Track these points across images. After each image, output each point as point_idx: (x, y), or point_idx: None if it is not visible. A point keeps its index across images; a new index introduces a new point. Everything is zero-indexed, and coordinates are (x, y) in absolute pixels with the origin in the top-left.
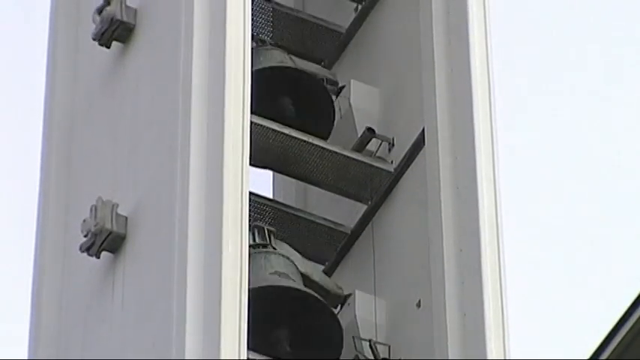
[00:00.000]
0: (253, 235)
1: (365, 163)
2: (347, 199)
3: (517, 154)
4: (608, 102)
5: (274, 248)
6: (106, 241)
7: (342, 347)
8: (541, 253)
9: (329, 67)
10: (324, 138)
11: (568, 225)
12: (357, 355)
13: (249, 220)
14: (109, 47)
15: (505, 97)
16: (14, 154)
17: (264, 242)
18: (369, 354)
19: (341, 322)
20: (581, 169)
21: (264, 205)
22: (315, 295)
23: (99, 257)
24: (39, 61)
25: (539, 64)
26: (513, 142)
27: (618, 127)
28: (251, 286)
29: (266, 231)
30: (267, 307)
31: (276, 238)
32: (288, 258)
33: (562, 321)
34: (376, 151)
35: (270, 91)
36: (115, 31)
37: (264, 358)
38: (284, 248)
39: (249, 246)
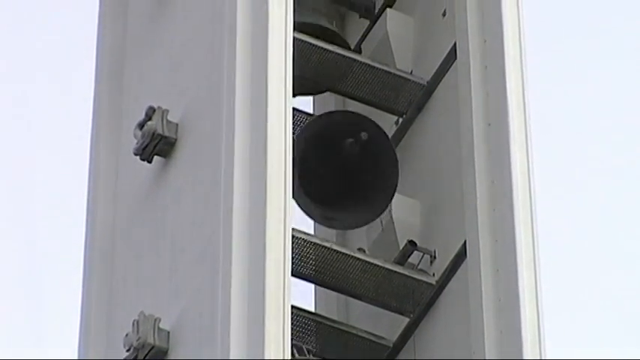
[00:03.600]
0: (292, 354)
1: (406, 276)
2: (389, 312)
3: (559, 265)
4: None
5: None
6: (149, 355)
7: None
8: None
9: None
10: None
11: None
12: None
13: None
14: (150, 162)
15: (546, 208)
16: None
17: None
18: None
19: None
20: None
21: (306, 318)
22: None
23: None
24: (81, 172)
25: (581, 172)
26: (556, 254)
27: None
28: None
29: (305, 351)
30: None
31: (315, 356)
32: None
33: None
34: (418, 264)
35: None
36: (157, 146)
37: None
38: None
39: None
